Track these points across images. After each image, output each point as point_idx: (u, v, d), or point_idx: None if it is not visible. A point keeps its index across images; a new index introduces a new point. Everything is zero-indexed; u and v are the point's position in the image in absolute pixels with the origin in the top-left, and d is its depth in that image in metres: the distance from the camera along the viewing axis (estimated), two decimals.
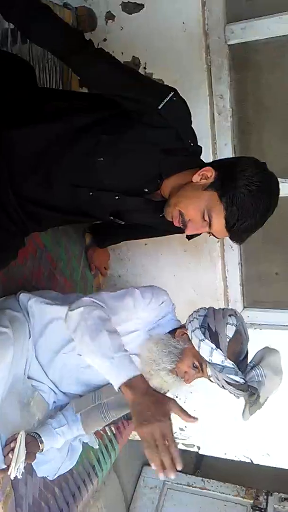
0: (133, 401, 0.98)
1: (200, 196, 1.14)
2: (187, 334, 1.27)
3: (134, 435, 2.66)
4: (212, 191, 1.13)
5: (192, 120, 1.23)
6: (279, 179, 1.90)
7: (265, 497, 2.98)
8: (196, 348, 1.21)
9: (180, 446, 2.56)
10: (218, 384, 1.20)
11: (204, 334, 1.20)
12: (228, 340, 1.19)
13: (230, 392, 1.17)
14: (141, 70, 1.89)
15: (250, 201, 1.10)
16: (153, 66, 1.88)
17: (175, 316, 1.43)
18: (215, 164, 1.18)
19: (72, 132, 1.18)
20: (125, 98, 1.14)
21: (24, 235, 1.36)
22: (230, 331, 1.20)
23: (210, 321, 1.23)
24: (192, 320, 1.26)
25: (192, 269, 2.14)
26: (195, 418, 1.00)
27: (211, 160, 1.89)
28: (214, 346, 1.17)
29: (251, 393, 1.14)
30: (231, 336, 1.20)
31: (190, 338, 1.24)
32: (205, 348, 1.18)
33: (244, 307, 2.19)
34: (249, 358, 1.24)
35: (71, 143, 1.18)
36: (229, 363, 1.16)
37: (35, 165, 1.20)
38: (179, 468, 0.93)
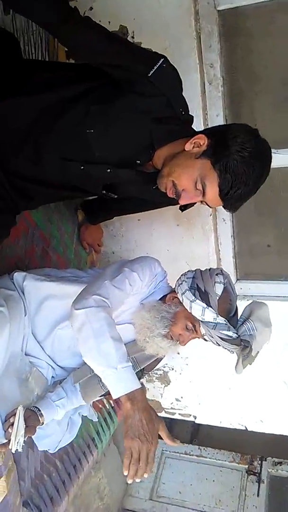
0: (130, 414, 1.05)
1: (193, 164, 1.13)
2: (177, 298, 1.29)
3: None
4: (205, 159, 1.12)
5: (183, 88, 1.20)
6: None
7: (259, 462, 3.09)
8: (188, 309, 1.23)
9: (177, 416, 2.63)
10: (212, 342, 1.22)
11: (194, 294, 1.22)
12: (217, 298, 1.22)
13: (225, 348, 1.20)
14: (129, 39, 1.83)
15: (243, 167, 1.09)
16: (141, 35, 1.82)
17: (166, 283, 1.44)
18: (207, 132, 1.17)
19: (61, 103, 1.15)
20: (114, 66, 1.11)
21: (14, 213, 1.34)
22: (218, 289, 1.23)
23: (198, 282, 1.25)
24: (181, 283, 1.28)
25: (185, 243, 2.14)
26: (176, 441, 1.13)
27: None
28: (205, 305, 1.19)
29: (244, 347, 1.17)
30: (220, 294, 1.22)
31: (181, 300, 1.25)
32: (197, 308, 1.20)
33: (237, 279, 2.21)
34: (239, 314, 1.28)
35: (60, 114, 1.15)
36: (221, 320, 1.18)
37: (24, 138, 1.18)
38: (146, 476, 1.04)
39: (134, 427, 1.04)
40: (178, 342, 1.29)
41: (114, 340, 1.08)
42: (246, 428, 2.44)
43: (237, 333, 1.18)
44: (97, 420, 1.69)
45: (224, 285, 1.24)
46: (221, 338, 1.18)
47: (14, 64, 1.26)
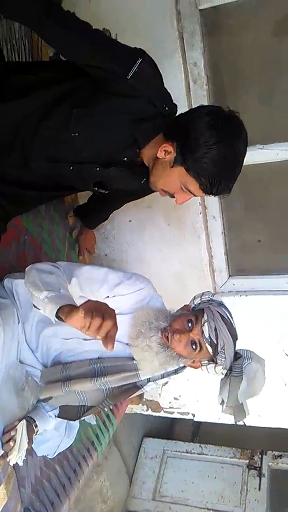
0: (75, 315, 0.98)
1: (171, 174, 1.17)
2: (189, 307, 1.29)
3: (131, 409, 2.72)
4: (179, 166, 1.14)
5: (163, 82, 1.21)
6: (256, 146, 1.90)
7: (260, 456, 3.10)
8: (198, 297, 1.28)
9: (176, 415, 2.63)
10: (210, 334, 1.16)
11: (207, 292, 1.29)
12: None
13: (220, 345, 1.16)
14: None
15: (214, 166, 1.10)
16: (124, 37, 1.79)
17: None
18: (172, 132, 1.16)
19: (43, 106, 1.16)
20: (92, 66, 1.11)
21: (5, 220, 1.34)
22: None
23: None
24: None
25: (176, 242, 2.15)
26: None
27: None
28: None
29: (238, 356, 1.20)
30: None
31: (193, 299, 1.29)
32: (207, 294, 1.27)
33: (230, 276, 2.22)
34: None
35: (43, 119, 1.15)
36: (226, 305, 1.25)
37: (10, 144, 1.18)
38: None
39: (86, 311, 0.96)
40: (168, 349, 1.20)
41: (40, 272, 1.16)
42: (244, 423, 2.44)
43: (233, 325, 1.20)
44: (95, 423, 1.69)
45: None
46: (222, 318, 1.18)
47: None
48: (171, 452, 3.27)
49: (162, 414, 2.66)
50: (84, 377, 1.22)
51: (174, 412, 2.61)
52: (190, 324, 1.19)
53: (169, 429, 3.61)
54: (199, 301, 1.26)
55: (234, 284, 2.17)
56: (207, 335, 1.16)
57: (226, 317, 1.20)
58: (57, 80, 1.19)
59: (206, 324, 1.16)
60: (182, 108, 1.82)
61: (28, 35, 1.76)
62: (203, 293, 1.29)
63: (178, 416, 2.61)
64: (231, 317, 1.23)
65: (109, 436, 1.88)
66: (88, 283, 1.22)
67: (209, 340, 1.16)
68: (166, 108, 1.19)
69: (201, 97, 1.88)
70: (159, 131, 1.19)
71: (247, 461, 3.08)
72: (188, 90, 1.86)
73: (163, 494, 3.07)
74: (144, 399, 2.65)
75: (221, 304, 1.25)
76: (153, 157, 1.20)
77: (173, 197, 1.23)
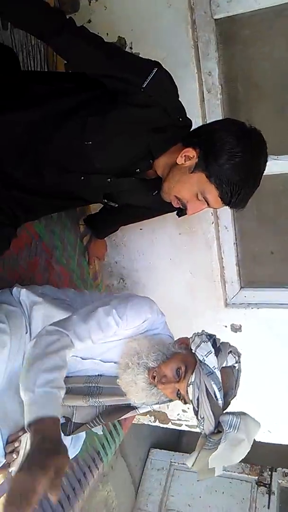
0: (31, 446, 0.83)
1: (189, 180, 1.15)
2: (186, 342, 1.20)
3: (139, 419, 2.68)
4: (199, 173, 1.12)
5: (178, 94, 1.20)
6: (271, 156, 1.88)
7: (269, 473, 3.04)
8: (195, 345, 1.14)
9: (184, 428, 2.59)
10: (194, 400, 1.08)
11: (208, 339, 1.14)
12: (225, 363, 1.12)
13: (199, 414, 1.07)
14: (127, 50, 1.85)
15: (238, 174, 1.09)
16: (139, 46, 1.83)
17: (166, 330, 1.32)
18: (195, 140, 1.15)
19: (57, 115, 1.16)
20: (108, 77, 1.11)
21: (15, 225, 1.34)
22: (231, 359, 1.14)
23: (216, 340, 1.17)
24: (199, 331, 1.20)
25: (187, 252, 2.13)
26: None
27: None
28: (213, 351, 1.11)
29: (217, 431, 1.06)
30: (229, 364, 1.13)
31: (192, 341, 1.16)
32: (205, 348, 1.11)
33: (241, 287, 2.19)
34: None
35: (57, 127, 1.16)
36: (218, 374, 1.08)
37: (23, 151, 1.18)
38: None
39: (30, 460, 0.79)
40: (152, 390, 1.16)
41: (44, 365, 0.98)
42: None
43: (223, 401, 1.07)
44: (101, 433, 1.67)
45: (236, 362, 1.15)
46: (207, 392, 1.07)
47: (12, 77, 1.27)
48: (178, 464, 3.22)
49: (170, 426, 2.62)
50: (77, 394, 1.21)
51: (182, 425, 2.57)
52: (178, 372, 1.13)
53: (177, 440, 3.56)
54: (196, 347, 1.14)
55: (245, 296, 2.14)
56: (190, 397, 1.10)
57: (212, 394, 1.07)
58: (74, 90, 1.19)
59: (191, 386, 1.09)
60: (196, 117, 1.84)
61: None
62: (202, 340, 1.15)
63: (186, 428, 2.57)
64: (219, 390, 1.08)
65: (116, 447, 1.86)
66: (100, 335, 1.14)
67: (191, 402, 1.10)
68: (180, 119, 1.19)
69: (215, 107, 1.87)
70: (174, 143, 1.18)
71: (256, 477, 3.02)
72: (202, 99, 1.86)
73: (169, 507, 3.03)
74: (151, 410, 2.62)
75: (211, 373, 1.09)
76: (170, 164, 1.18)
77: (185, 207, 1.21)
